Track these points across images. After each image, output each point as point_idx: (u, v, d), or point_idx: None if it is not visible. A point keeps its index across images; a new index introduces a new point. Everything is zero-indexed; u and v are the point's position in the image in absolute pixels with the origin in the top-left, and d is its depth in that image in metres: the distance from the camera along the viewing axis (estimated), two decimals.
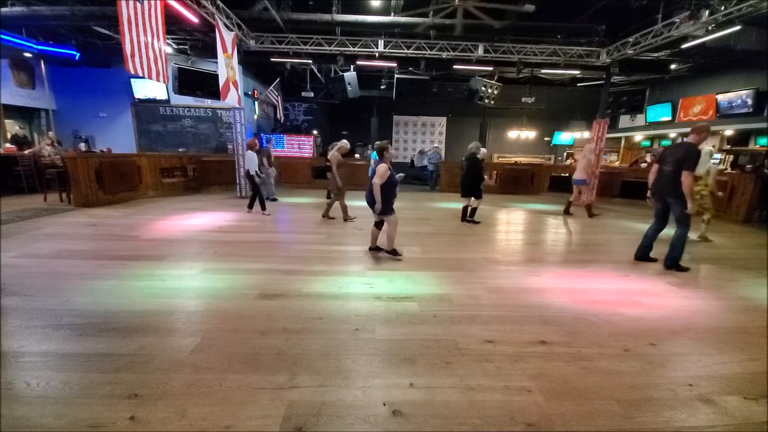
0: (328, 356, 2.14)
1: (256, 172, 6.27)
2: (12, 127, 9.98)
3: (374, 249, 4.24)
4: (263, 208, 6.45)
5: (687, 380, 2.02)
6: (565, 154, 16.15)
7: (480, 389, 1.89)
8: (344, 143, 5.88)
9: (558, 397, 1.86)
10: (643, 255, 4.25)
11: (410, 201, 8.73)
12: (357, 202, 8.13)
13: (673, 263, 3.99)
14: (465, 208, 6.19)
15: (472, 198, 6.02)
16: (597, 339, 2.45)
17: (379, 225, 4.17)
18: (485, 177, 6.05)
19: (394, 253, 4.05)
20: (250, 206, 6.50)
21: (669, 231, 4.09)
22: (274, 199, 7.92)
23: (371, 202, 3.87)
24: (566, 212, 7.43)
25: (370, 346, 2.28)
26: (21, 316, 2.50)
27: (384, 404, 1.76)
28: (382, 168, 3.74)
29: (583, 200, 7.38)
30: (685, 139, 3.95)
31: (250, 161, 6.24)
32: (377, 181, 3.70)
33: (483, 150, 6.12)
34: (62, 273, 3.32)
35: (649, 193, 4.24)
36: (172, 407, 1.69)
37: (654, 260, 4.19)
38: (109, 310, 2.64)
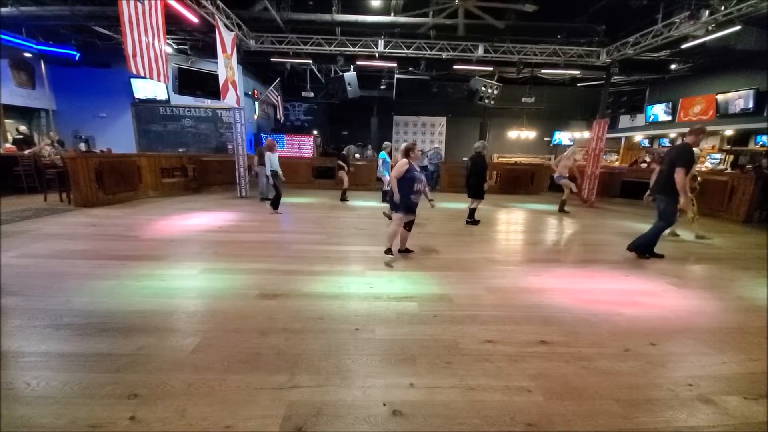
0: (328, 356, 2.14)
1: (278, 172, 6.53)
2: (12, 127, 9.97)
3: (404, 251, 4.21)
4: (276, 207, 6.58)
5: (687, 380, 2.02)
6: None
7: (480, 389, 1.89)
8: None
9: (558, 397, 1.86)
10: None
11: None
12: (361, 202, 8.18)
13: (635, 248, 4.23)
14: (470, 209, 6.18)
15: (474, 198, 6.01)
16: (597, 339, 2.45)
17: (408, 225, 4.10)
18: (487, 178, 6.00)
19: (388, 251, 3.98)
20: (275, 206, 6.60)
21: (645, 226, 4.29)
22: (267, 199, 7.93)
23: (393, 202, 3.92)
24: (561, 210, 7.54)
25: (370, 346, 2.28)
26: (21, 316, 2.49)
27: (384, 404, 1.76)
28: (399, 162, 3.86)
29: (564, 197, 7.59)
30: (682, 140, 4.11)
31: (272, 162, 6.44)
32: (393, 174, 3.82)
33: (476, 144, 6.01)
34: (62, 273, 3.32)
35: (648, 193, 4.36)
36: (172, 407, 1.69)
37: (661, 256, 4.29)
38: (109, 310, 2.64)
